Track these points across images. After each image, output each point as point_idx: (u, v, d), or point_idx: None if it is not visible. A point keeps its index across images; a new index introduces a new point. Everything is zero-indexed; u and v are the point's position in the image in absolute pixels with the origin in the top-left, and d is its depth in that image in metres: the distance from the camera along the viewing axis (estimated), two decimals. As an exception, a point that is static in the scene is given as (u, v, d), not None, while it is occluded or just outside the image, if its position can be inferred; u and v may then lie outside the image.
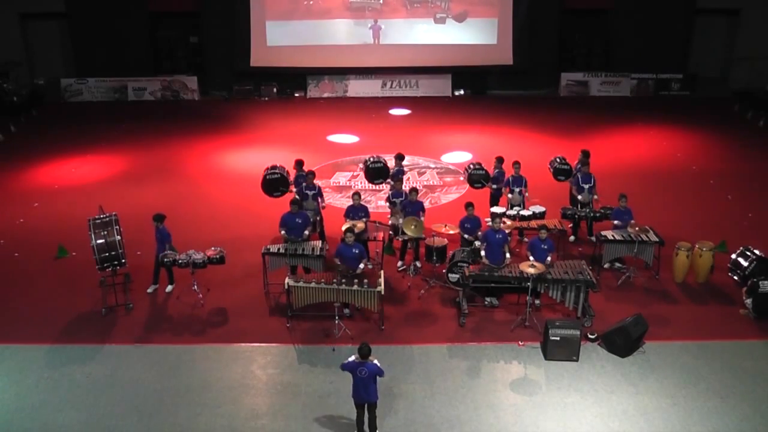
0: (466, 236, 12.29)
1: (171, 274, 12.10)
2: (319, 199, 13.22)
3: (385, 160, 14.50)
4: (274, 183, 13.84)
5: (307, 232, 12.25)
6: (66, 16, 24.83)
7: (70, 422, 9.14)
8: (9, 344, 10.70)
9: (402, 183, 13.35)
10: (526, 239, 13.52)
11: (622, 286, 12.27)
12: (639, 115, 22.35)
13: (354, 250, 11.13)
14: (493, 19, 24.57)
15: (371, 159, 14.54)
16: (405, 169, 14.84)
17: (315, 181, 13.39)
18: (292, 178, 13.88)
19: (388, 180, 14.29)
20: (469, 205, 12.42)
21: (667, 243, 12.35)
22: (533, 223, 12.73)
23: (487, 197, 14.23)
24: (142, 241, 12.90)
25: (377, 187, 15.95)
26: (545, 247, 11.39)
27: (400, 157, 14.51)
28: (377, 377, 8.58)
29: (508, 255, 11.40)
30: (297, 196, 12.85)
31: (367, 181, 14.90)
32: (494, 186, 14.01)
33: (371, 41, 24.59)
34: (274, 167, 14.03)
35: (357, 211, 12.56)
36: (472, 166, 14.25)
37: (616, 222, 12.61)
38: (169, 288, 12.12)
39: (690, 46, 25.39)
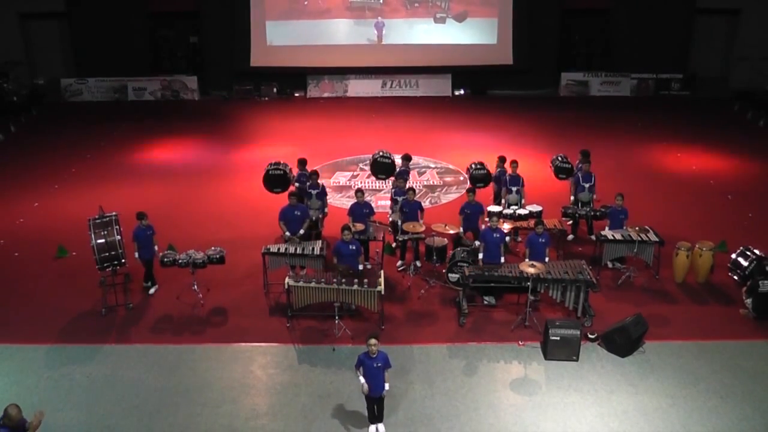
0: (461, 231, 12.31)
1: (152, 275, 12.14)
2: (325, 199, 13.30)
3: (393, 157, 14.52)
4: (275, 179, 13.84)
5: (302, 231, 12.30)
6: (66, 16, 24.85)
7: (70, 422, 9.13)
8: (9, 344, 10.69)
9: (405, 182, 13.37)
10: (519, 239, 13.54)
11: (622, 286, 12.27)
12: (639, 115, 22.36)
13: (351, 247, 11.19)
14: (493, 19, 24.60)
15: (380, 153, 14.54)
16: (410, 169, 14.84)
17: (319, 181, 13.42)
18: (294, 175, 13.88)
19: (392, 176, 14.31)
20: (470, 191, 12.73)
21: (667, 243, 12.35)
22: (526, 223, 12.72)
23: (488, 197, 14.24)
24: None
25: (378, 186, 15.96)
26: (543, 240, 11.48)
27: (407, 158, 14.54)
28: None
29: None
30: (297, 192, 12.89)
31: (372, 174, 14.90)
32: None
33: (372, 40, 24.62)
34: (277, 163, 14.04)
35: (361, 208, 12.57)
36: (473, 166, 14.25)
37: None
38: (153, 290, 12.14)
39: (690, 46, 25.40)
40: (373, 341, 8.48)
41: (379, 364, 8.50)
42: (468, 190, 12.88)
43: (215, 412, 9.30)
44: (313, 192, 13.14)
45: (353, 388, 8.46)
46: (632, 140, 19.93)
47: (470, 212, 12.61)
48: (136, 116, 22.70)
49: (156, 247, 11.89)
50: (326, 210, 13.34)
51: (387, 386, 8.67)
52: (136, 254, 11.73)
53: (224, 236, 13.75)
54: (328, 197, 13.69)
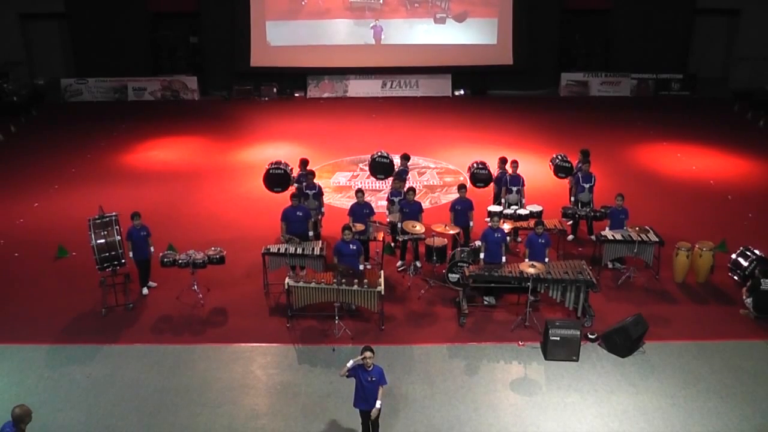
0: (452, 230, 12.23)
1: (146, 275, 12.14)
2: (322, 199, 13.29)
3: (391, 157, 14.54)
4: (275, 178, 13.85)
5: (311, 233, 12.37)
6: (66, 16, 24.86)
7: (70, 422, 9.13)
8: (9, 344, 10.69)
9: (403, 183, 13.36)
10: (519, 239, 13.55)
11: (622, 286, 12.27)
12: (639, 115, 22.37)
13: (351, 246, 11.20)
14: (493, 19, 24.60)
15: (378, 153, 14.58)
16: (409, 169, 14.85)
17: (315, 181, 13.44)
18: (295, 176, 13.89)
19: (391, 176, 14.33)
20: (461, 188, 12.78)
21: (667, 243, 12.35)
22: (526, 223, 12.75)
23: (488, 197, 14.24)
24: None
25: (378, 186, 15.96)
26: (542, 241, 11.48)
27: (405, 158, 14.57)
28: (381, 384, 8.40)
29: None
30: (299, 193, 12.91)
31: (370, 174, 14.92)
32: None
33: (371, 41, 24.61)
34: (278, 163, 14.06)
35: (361, 208, 12.57)
36: (475, 165, 14.25)
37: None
38: (145, 290, 12.12)
39: (690, 46, 25.42)
40: (368, 354, 8.18)
41: (374, 378, 8.24)
42: (459, 187, 12.88)
43: (215, 412, 9.30)
44: (310, 193, 13.14)
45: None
46: (632, 140, 19.93)
47: (460, 208, 12.69)
48: (136, 116, 22.69)
49: (152, 248, 11.86)
50: (323, 210, 13.34)
51: (378, 404, 8.30)
52: (131, 254, 11.71)
53: (224, 236, 13.75)
54: (325, 197, 13.68)
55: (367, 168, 15.26)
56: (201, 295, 11.81)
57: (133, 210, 11.93)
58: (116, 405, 9.42)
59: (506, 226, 12.33)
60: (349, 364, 8.30)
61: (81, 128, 21.43)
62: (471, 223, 12.81)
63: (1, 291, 12.24)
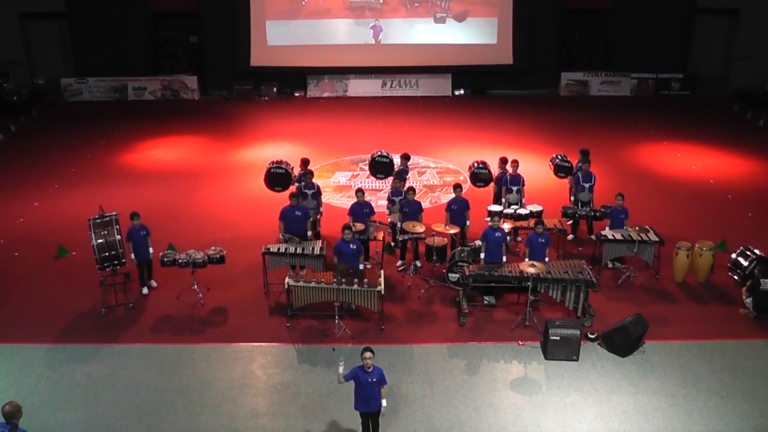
0: (452, 230, 12.22)
1: (146, 274, 12.11)
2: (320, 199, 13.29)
3: (391, 157, 14.55)
4: (276, 177, 13.84)
5: (309, 233, 12.35)
6: (66, 16, 24.87)
7: (70, 422, 9.13)
8: (9, 344, 10.69)
9: (403, 183, 13.35)
10: (519, 239, 13.55)
11: (622, 285, 12.27)
12: (639, 114, 22.37)
13: (351, 246, 11.20)
14: (493, 18, 24.60)
15: (378, 153, 14.58)
16: (409, 168, 14.85)
17: (314, 181, 13.44)
18: (296, 175, 13.89)
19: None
20: (457, 188, 12.78)
21: (667, 243, 12.35)
22: (526, 223, 12.75)
23: (488, 197, 14.24)
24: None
25: (378, 186, 15.96)
26: (542, 240, 11.49)
27: (405, 157, 14.57)
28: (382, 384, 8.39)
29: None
30: (298, 193, 12.91)
31: (370, 174, 14.93)
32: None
33: (371, 41, 24.62)
34: (279, 162, 14.06)
35: (361, 208, 12.57)
36: (476, 165, 14.24)
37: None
38: (146, 290, 12.08)
39: (690, 46, 25.42)
40: (368, 354, 8.16)
41: (374, 379, 8.23)
42: (455, 186, 12.89)
43: (215, 412, 9.30)
44: (308, 192, 13.14)
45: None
46: (632, 140, 19.93)
47: (456, 208, 12.69)
48: (136, 116, 22.70)
49: (151, 249, 11.83)
50: (321, 210, 13.35)
51: (384, 402, 8.35)
52: (132, 256, 11.69)
53: (224, 236, 13.75)
54: (324, 197, 13.67)
55: (367, 167, 15.27)
56: (201, 295, 11.81)
57: (133, 210, 11.92)
58: (116, 405, 9.43)
59: (506, 226, 12.32)
60: (340, 369, 8.28)
61: (81, 128, 21.43)
62: (467, 223, 12.80)
63: (1, 291, 12.23)
